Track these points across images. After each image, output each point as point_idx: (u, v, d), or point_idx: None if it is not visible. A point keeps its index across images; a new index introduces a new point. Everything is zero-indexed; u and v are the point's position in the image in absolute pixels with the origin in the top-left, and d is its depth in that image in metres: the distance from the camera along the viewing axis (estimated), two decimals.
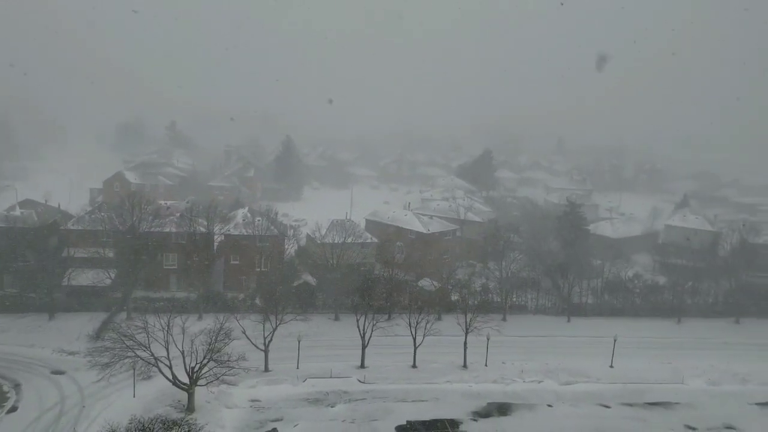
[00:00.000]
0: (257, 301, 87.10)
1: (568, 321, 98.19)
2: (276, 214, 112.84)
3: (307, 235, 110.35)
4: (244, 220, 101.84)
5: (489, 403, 66.79)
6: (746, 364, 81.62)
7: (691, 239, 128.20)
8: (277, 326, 71.53)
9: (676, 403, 69.63)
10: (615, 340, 79.66)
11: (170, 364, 58.14)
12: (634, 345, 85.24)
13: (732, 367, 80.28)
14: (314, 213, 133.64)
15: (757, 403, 71.33)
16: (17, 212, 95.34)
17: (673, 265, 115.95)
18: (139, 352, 57.86)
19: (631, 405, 68.76)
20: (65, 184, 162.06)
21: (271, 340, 70.77)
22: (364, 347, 73.79)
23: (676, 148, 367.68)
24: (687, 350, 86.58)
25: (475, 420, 62.96)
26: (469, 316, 76.84)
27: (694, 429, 63.81)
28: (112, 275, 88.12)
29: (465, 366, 75.54)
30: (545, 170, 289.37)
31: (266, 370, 70.70)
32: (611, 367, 78.29)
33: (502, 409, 65.81)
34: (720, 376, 77.76)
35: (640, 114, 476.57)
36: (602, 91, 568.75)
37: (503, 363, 77.25)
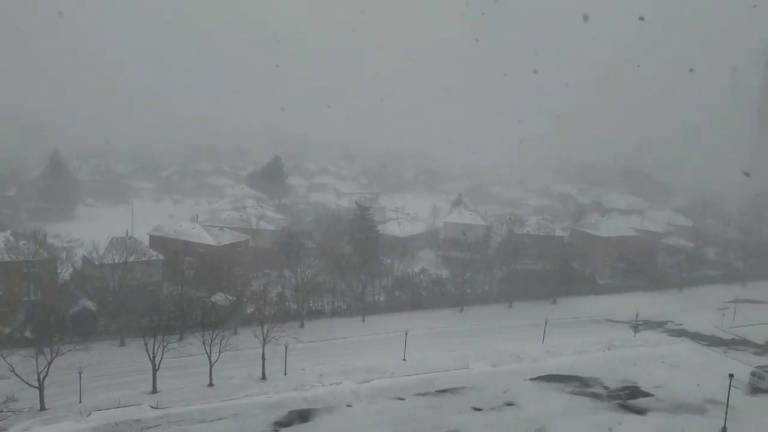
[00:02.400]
0: (27, 333, 78.15)
1: (363, 320, 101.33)
2: (45, 236, 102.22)
3: (83, 257, 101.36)
4: (6, 244, 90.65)
5: (290, 412, 66.43)
6: (520, 344, 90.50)
7: (466, 234, 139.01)
8: (53, 359, 64.56)
9: (463, 388, 74.85)
10: (406, 334, 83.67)
11: None
12: (424, 336, 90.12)
13: (508, 348, 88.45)
14: (90, 232, 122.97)
15: (530, 379, 79.25)
16: None
17: (453, 259, 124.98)
18: None
19: (423, 394, 72.57)
20: None
21: (46, 375, 63.68)
22: (155, 371, 69.47)
23: (448, 151, 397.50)
24: (470, 336, 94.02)
25: (276, 430, 62.38)
26: (266, 326, 75.77)
27: (480, 410, 69.21)
28: None
29: (264, 378, 74.41)
30: (334, 175, 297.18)
31: (42, 408, 63.45)
32: (404, 360, 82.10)
33: (303, 415, 65.85)
34: (499, 357, 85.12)
35: (416, 120, 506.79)
36: (383, 99, 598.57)
37: (303, 369, 77.35)
